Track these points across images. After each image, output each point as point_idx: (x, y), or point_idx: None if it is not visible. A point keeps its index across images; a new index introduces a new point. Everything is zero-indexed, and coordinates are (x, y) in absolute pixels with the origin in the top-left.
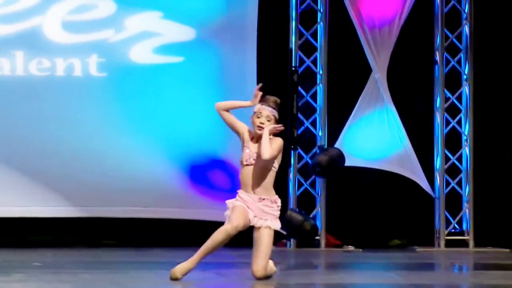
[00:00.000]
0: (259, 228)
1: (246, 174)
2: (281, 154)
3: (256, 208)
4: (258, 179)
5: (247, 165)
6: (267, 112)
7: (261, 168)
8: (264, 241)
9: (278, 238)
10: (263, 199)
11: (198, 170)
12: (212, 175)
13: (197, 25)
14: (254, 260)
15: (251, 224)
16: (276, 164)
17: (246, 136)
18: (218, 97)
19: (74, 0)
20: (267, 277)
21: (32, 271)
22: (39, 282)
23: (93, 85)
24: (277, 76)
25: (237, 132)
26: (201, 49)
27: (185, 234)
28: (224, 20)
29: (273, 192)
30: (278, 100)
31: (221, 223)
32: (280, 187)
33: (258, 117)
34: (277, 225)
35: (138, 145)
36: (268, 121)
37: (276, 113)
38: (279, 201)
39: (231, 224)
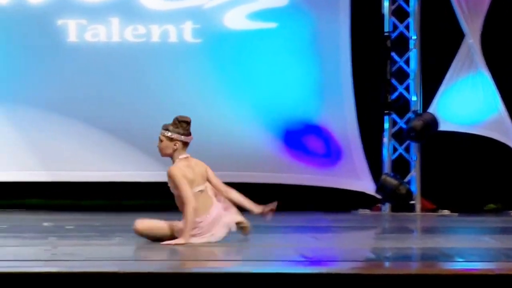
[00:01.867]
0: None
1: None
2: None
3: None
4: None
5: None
6: (159, 136)
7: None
8: None
9: (373, 203)
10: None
11: (292, 135)
12: (306, 140)
13: None
14: None
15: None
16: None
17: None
18: (312, 63)
19: None
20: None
21: (129, 234)
22: (137, 244)
23: (188, 51)
24: (370, 42)
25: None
26: (294, 15)
27: (280, 198)
28: None
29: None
30: (177, 119)
31: (315, 188)
32: (375, 152)
33: None
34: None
35: (232, 111)
36: (161, 141)
37: (164, 132)
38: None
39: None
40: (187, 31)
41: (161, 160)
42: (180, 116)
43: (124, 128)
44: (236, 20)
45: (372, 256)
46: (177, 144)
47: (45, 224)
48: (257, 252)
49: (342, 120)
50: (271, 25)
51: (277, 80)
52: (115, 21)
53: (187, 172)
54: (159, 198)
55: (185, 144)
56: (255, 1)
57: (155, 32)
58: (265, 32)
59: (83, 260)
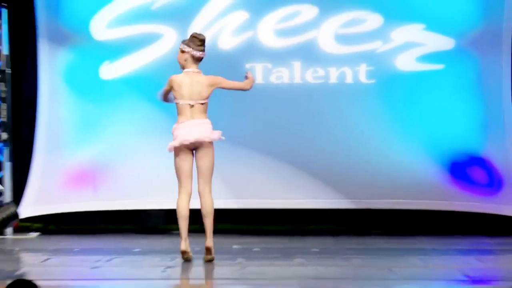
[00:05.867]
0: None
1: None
2: None
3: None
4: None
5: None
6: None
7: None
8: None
9: None
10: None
11: (458, 166)
12: (471, 171)
13: (456, 35)
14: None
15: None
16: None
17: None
18: (476, 100)
19: (345, 15)
20: None
21: (310, 256)
22: (317, 266)
23: (363, 91)
24: None
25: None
26: (460, 57)
27: (443, 223)
28: (481, 29)
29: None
30: (192, 35)
31: (475, 214)
32: None
33: None
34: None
35: (402, 145)
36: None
37: (180, 44)
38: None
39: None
40: (362, 73)
41: (338, 188)
42: (195, 33)
43: (304, 160)
44: (407, 62)
45: None
46: (187, 57)
47: (235, 246)
48: (424, 273)
49: (504, 152)
50: (439, 66)
51: (444, 116)
52: (297, 65)
53: (181, 83)
54: (337, 224)
55: (196, 59)
56: (424, 45)
57: (333, 74)
58: (433, 73)
59: (268, 279)
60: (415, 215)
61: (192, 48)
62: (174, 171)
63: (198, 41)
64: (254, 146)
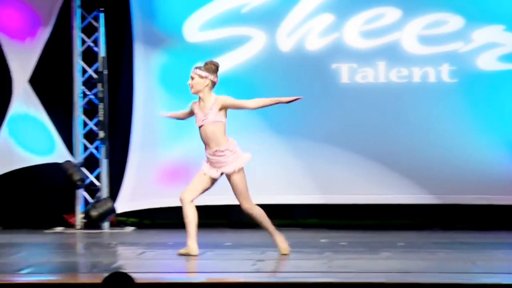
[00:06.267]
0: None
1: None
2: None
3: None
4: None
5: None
6: (191, 73)
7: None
8: (234, 185)
9: None
10: (216, 151)
11: None
12: None
13: None
14: (239, 200)
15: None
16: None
17: (195, 107)
18: None
19: (428, 17)
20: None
21: (395, 250)
22: (402, 260)
23: (445, 90)
24: None
25: (191, 114)
26: None
27: None
28: None
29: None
30: (210, 62)
31: None
32: None
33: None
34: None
35: (484, 142)
36: (192, 78)
37: (198, 71)
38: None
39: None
40: (445, 73)
41: (423, 184)
42: (210, 61)
43: (388, 157)
44: (488, 62)
45: None
46: (207, 82)
47: (322, 240)
48: (507, 267)
49: None
50: None
51: None
52: (381, 65)
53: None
54: (422, 218)
55: (213, 84)
56: (504, 46)
57: (416, 74)
58: None
59: (355, 272)
60: (499, 210)
61: (212, 74)
62: (263, 166)
63: (216, 68)
64: (341, 143)
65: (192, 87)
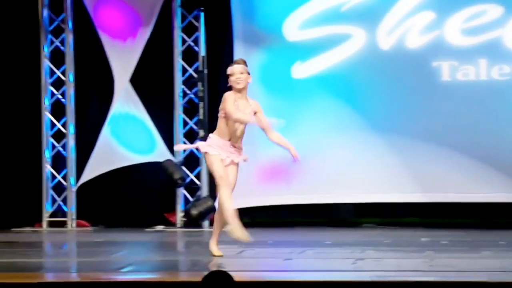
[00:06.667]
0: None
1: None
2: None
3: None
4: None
5: None
6: (239, 68)
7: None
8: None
9: None
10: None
11: None
12: None
13: None
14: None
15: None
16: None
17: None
18: None
19: None
20: None
21: (497, 249)
22: (504, 259)
23: None
24: None
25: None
26: None
27: None
28: None
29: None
30: (244, 59)
31: None
32: None
33: (232, 75)
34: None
35: None
36: (242, 73)
37: (246, 67)
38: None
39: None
40: None
41: None
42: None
43: (491, 155)
44: None
45: None
46: (250, 80)
47: (423, 239)
48: None
49: None
50: None
51: None
52: (483, 62)
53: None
54: None
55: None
56: None
57: None
58: None
59: (456, 271)
60: None
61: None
62: (364, 164)
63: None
64: (441, 141)
65: (240, 82)
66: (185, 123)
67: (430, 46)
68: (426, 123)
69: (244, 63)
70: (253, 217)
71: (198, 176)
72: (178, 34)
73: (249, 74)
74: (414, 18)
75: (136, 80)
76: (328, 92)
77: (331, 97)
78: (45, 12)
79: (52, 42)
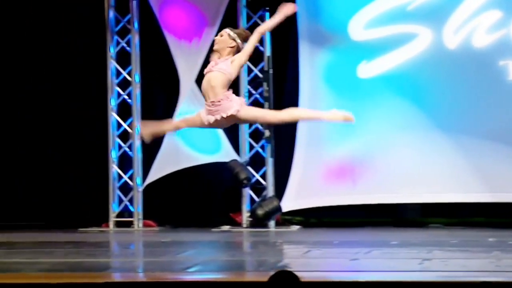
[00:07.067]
0: None
1: None
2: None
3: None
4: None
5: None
6: (222, 32)
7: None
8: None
9: None
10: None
11: None
12: None
13: None
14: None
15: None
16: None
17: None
18: None
19: None
20: None
21: None
22: None
23: None
24: None
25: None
26: None
27: None
28: None
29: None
30: (243, 30)
31: None
32: None
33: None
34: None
35: None
36: (221, 36)
37: (229, 31)
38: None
39: None
40: None
41: None
42: (244, 29)
43: None
44: None
45: None
46: (233, 44)
47: (490, 239)
48: None
49: None
50: None
51: None
52: None
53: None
54: None
55: (237, 50)
56: None
57: None
58: None
59: None
60: None
61: (240, 40)
62: (429, 164)
63: (247, 37)
64: (508, 141)
65: (217, 43)
66: (251, 123)
67: (497, 45)
68: (493, 123)
69: (233, 29)
70: (319, 217)
71: (263, 176)
72: None
73: (233, 38)
74: (481, 17)
75: (202, 81)
76: (394, 91)
77: (397, 96)
78: (111, 13)
79: (118, 43)
